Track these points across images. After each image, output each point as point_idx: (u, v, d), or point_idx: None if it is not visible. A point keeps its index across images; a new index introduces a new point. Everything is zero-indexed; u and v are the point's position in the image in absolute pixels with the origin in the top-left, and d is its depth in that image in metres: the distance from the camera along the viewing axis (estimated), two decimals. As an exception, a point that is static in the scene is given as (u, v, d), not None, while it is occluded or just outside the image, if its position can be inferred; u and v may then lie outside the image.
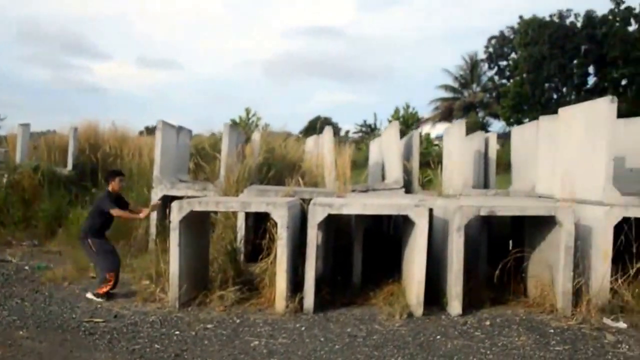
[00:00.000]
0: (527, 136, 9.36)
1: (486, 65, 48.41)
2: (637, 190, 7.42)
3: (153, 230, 9.45)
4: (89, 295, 7.07)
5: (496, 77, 47.32)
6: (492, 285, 6.82)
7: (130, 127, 16.32)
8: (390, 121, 13.33)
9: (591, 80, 38.78)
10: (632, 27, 36.22)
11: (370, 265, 7.82)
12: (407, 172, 10.52)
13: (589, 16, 37.46)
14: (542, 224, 6.54)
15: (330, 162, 10.04)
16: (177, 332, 5.73)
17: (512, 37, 43.78)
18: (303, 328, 5.88)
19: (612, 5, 36.95)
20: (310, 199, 6.99)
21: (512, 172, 10.22)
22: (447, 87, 51.39)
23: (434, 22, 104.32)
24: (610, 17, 36.78)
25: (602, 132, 6.40)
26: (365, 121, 46.44)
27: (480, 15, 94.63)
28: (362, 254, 7.57)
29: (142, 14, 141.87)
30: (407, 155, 10.79)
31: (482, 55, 47.71)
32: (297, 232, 7.00)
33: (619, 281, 6.37)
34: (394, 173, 10.31)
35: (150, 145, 12.05)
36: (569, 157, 7.16)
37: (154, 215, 9.27)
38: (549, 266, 6.48)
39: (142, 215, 7.56)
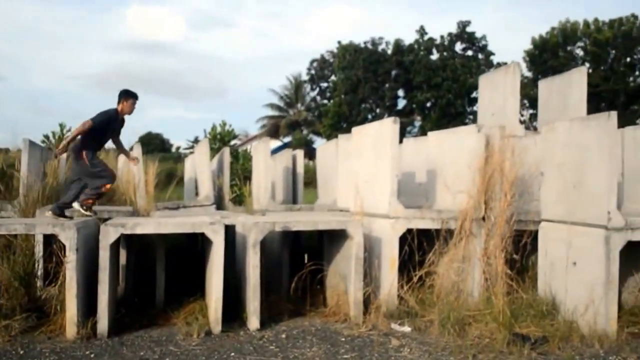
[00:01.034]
0: (329, 153, 9.82)
1: (309, 86, 50.35)
2: (425, 202, 8.09)
3: None
4: (76, 205, 6.68)
5: (318, 98, 49.37)
6: (295, 298, 7.01)
7: None
8: (207, 138, 13.24)
9: (401, 102, 41.81)
10: (435, 56, 39.76)
11: (177, 284, 7.66)
12: (219, 188, 10.53)
13: (398, 44, 40.49)
14: (337, 237, 6.86)
15: (139, 179, 9.73)
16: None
17: (331, 60, 45.96)
18: (92, 355, 5.56)
19: (417, 36, 40.35)
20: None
21: (318, 187, 10.65)
22: (273, 106, 52.60)
23: (261, 43, 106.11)
24: (415, 46, 40.05)
25: (387, 150, 6.89)
26: (196, 137, 46.00)
27: (304, 38, 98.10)
28: (164, 273, 7.39)
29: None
30: (219, 172, 10.80)
31: (305, 77, 49.54)
32: (92, 254, 6.65)
33: (405, 288, 6.85)
34: (205, 190, 10.26)
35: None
36: (361, 172, 7.61)
37: None
38: (344, 277, 6.80)
39: (132, 162, 7.53)
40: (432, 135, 8.32)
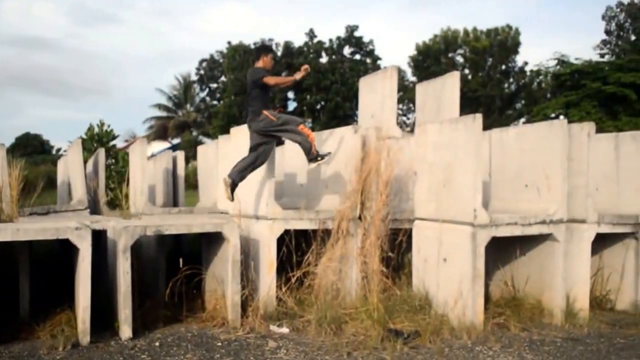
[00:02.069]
0: (209, 154, 9.64)
1: (198, 87, 49.45)
2: (307, 203, 8.11)
3: None
4: (312, 164, 6.86)
5: (208, 98, 48.57)
6: (172, 304, 6.77)
7: None
8: (79, 138, 12.60)
9: (292, 104, 42.01)
10: (324, 59, 40.33)
11: (45, 295, 7.18)
12: (94, 191, 10.04)
13: (288, 46, 40.66)
14: (214, 240, 6.72)
15: (2, 183, 9.06)
16: None
17: (221, 61, 45.41)
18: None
19: (307, 39, 40.74)
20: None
21: (199, 190, 10.43)
22: (161, 107, 51.18)
23: (150, 41, 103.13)
24: (305, 48, 40.42)
25: (264, 151, 6.82)
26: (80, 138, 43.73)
27: (195, 37, 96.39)
28: (29, 283, 6.91)
29: None
30: (94, 174, 10.30)
31: (194, 77, 48.63)
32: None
33: (283, 289, 6.83)
34: (79, 193, 9.75)
35: None
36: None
37: None
38: (221, 280, 6.67)
39: (297, 76, 7.06)
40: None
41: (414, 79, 39.23)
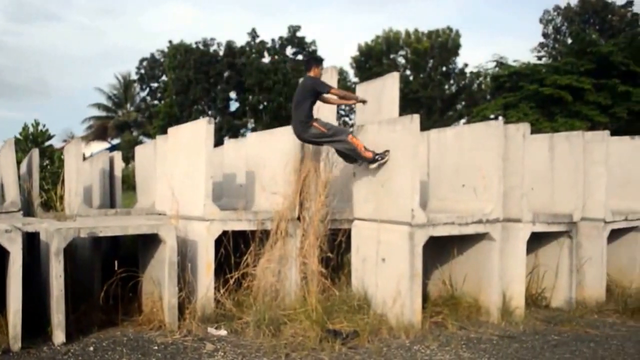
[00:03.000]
0: (147, 154, 9.45)
1: (139, 86, 48.41)
2: (246, 204, 8.04)
3: None
4: (372, 165, 6.75)
5: (148, 98, 47.61)
6: (109, 307, 6.60)
7: None
8: (18, 139, 12.18)
9: (234, 104, 41.65)
10: (266, 59, 40.17)
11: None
12: (28, 193, 9.69)
13: (230, 46, 40.26)
14: (151, 242, 6.59)
15: None
16: None
17: (162, 60, 44.60)
18: None
19: (249, 38, 40.49)
20: None
21: (137, 191, 10.21)
22: (100, 106, 49.94)
23: (90, 39, 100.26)
24: (247, 48, 40.16)
25: (201, 151, 6.74)
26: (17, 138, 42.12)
27: (136, 36, 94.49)
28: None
29: None
30: (28, 175, 9.94)
31: (135, 76, 47.58)
32: None
33: (222, 291, 6.76)
34: (12, 195, 9.38)
35: None
36: (177, 174, 7.39)
37: None
38: (158, 282, 6.54)
39: (360, 98, 7.72)
40: (251, 136, 8.31)
41: (356, 79, 39.49)
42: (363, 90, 10.47)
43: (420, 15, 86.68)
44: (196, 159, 6.87)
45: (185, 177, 7.15)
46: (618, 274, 8.50)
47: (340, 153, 7.18)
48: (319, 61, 7.52)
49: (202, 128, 6.74)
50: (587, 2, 38.26)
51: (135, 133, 47.67)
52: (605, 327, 6.99)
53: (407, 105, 33.00)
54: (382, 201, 6.81)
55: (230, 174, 9.03)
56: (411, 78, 38.93)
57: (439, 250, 7.28)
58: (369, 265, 6.98)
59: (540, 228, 7.40)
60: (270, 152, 7.48)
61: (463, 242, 7.13)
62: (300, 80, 7.72)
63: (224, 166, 9.21)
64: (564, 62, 23.49)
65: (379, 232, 6.79)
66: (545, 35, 41.71)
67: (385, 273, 6.70)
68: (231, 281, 6.80)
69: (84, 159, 10.58)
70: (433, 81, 38.89)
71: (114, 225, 6.16)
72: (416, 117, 6.35)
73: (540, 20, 41.99)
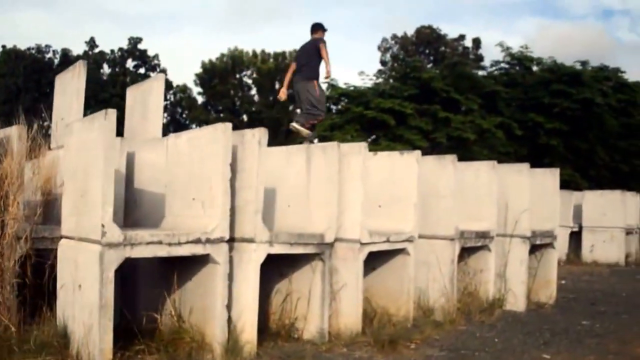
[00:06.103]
0: None
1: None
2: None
3: None
4: (296, 125, 8.01)
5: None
6: None
7: None
8: None
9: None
10: (105, 70, 38.14)
11: None
12: None
13: (66, 54, 37.79)
14: None
15: None
16: None
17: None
18: None
19: (86, 48, 38.28)
20: None
21: None
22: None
23: None
24: (84, 58, 37.87)
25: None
26: None
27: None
28: None
29: None
30: None
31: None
32: None
33: None
34: None
35: None
36: None
37: None
38: None
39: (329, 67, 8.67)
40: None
41: (200, 97, 38.40)
42: (132, 95, 9.37)
43: (267, 38, 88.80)
44: None
45: None
46: (385, 300, 7.82)
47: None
48: (323, 27, 8.89)
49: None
50: (422, 32, 39.79)
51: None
52: (346, 365, 6.14)
53: (251, 125, 32.24)
54: (81, 214, 5.61)
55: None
56: (255, 98, 38.43)
57: (173, 275, 6.18)
58: (68, 293, 5.73)
59: (280, 249, 6.45)
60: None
61: (189, 266, 6.08)
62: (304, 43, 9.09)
63: None
64: (390, 86, 23.81)
65: (77, 252, 5.59)
66: (383, 62, 42.80)
67: (81, 303, 5.47)
68: None
69: None
70: (279, 103, 38.60)
71: None
72: (111, 113, 5.24)
73: (379, 48, 43.12)
